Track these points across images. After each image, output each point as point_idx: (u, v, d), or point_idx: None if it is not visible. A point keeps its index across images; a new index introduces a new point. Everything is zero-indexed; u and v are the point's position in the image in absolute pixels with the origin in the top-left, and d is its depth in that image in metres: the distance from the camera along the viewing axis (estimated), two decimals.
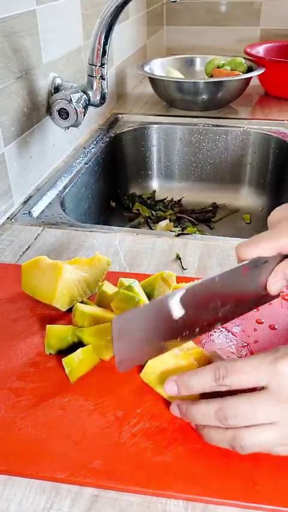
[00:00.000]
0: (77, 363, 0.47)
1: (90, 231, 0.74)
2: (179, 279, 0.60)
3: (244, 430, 0.37)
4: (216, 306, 0.44)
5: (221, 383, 0.38)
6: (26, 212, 0.80)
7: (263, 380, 0.37)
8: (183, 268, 0.65)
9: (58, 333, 0.50)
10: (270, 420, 0.37)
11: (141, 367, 0.46)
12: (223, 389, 0.38)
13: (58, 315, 0.55)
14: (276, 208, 0.48)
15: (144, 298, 0.52)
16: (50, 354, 0.50)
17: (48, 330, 0.50)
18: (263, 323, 0.54)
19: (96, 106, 0.90)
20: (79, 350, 0.47)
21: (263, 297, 0.47)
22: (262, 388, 0.37)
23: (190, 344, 0.46)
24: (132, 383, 0.46)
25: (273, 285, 0.45)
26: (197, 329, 0.44)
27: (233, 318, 0.47)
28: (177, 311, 0.41)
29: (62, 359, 0.47)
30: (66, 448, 0.41)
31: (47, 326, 0.50)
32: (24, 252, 0.69)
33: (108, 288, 0.54)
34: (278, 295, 0.47)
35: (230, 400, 0.38)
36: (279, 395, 0.36)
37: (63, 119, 0.87)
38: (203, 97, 1.20)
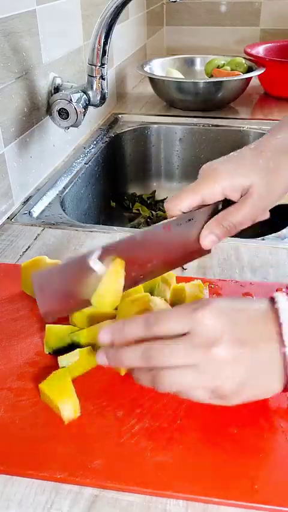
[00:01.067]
0: (72, 364, 0.46)
1: (90, 231, 0.74)
2: (179, 279, 0.60)
3: (164, 370, 0.39)
4: (140, 262, 0.46)
5: (149, 330, 0.40)
6: (26, 212, 0.80)
7: (184, 328, 0.39)
8: (183, 268, 0.65)
9: (57, 333, 0.50)
10: (187, 363, 0.38)
11: None
12: (151, 336, 0.40)
13: None
14: (210, 162, 0.51)
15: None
16: (49, 353, 0.50)
17: (47, 330, 0.50)
18: None
19: (96, 106, 0.90)
20: (76, 351, 0.47)
21: (194, 252, 0.50)
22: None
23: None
24: (132, 383, 0.46)
25: (206, 238, 0.48)
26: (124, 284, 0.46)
27: (160, 274, 0.50)
28: (98, 267, 0.43)
29: (58, 358, 0.47)
30: (65, 448, 0.41)
31: (47, 325, 0.50)
32: (24, 252, 0.69)
33: None
34: (209, 251, 0.50)
35: (155, 343, 0.39)
36: (195, 339, 0.38)
37: (63, 119, 0.87)
38: (203, 97, 1.20)
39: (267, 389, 0.40)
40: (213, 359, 0.37)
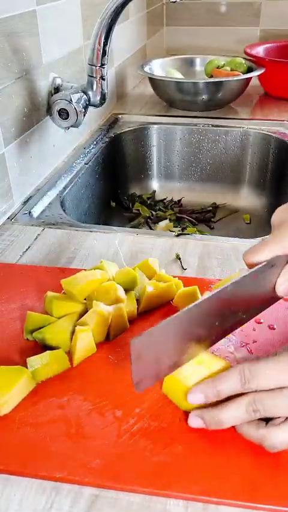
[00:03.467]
0: (41, 366, 0.46)
1: (90, 231, 0.74)
2: (179, 279, 0.60)
3: (275, 427, 0.38)
4: (229, 315, 0.44)
5: (247, 386, 0.39)
6: (26, 212, 0.80)
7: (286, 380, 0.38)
8: (183, 268, 0.65)
9: (36, 321, 0.51)
10: None
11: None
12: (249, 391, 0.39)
13: None
14: (279, 208, 0.48)
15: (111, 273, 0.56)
16: (27, 339, 0.52)
17: (27, 316, 0.52)
18: (262, 322, 0.54)
19: (96, 106, 0.90)
20: (46, 353, 0.47)
21: (270, 299, 0.48)
22: None
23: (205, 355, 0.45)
24: (131, 382, 0.46)
25: (281, 286, 0.45)
26: (213, 338, 0.45)
27: (243, 324, 0.47)
28: (193, 326, 0.42)
29: (27, 359, 0.47)
30: (65, 447, 0.41)
31: (28, 312, 0.52)
32: (25, 252, 0.69)
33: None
34: (283, 297, 0.47)
35: (260, 395, 0.38)
36: None
37: (63, 119, 0.87)
38: (203, 97, 1.20)
39: None
40: None
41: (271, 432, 0.38)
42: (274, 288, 0.46)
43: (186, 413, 0.43)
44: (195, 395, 0.41)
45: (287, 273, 0.45)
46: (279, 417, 0.39)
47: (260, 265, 0.44)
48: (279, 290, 0.46)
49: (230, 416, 0.39)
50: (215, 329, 0.44)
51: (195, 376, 0.42)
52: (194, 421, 0.41)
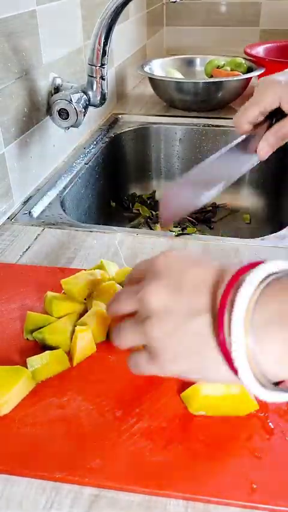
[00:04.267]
0: (41, 366, 0.46)
1: (90, 231, 0.74)
2: None
3: (120, 324, 0.40)
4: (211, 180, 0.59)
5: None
6: (26, 212, 0.80)
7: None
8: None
9: (36, 321, 0.52)
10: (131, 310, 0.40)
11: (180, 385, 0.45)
12: None
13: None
14: (270, 75, 0.60)
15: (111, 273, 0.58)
16: (27, 339, 0.52)
17: (27, 316, 0.52)
18: None
19: (96, 106, 0.90)
20: (46, 353, 0.47)
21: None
22: None
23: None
24: (131, 382, 0.46)
25: (262, 149, 0.59)
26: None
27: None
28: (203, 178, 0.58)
29: (27, 359, 0.47)
30: (64, 447, 0.41)
31: (27, 312, 0.52)
32: (24, 252, 0.69)
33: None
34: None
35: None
36: (138, 292, 0.38)
37: (63, 119, 0.87)
38: (203, 97, 1.20)
39: (203, 358, 0.35)
40: (148, 300, 0.36)
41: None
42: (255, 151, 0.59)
43: (186, 414, 0.43)
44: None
45: (266, 137, 0.58)
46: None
47: (245, 136, 0.59)
48: (260, 154, 0.59)
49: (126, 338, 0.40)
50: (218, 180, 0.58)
51: (213, 389, 0.42)
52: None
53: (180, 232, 0.73)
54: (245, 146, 0.58)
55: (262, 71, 1.24)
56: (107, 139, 1.13)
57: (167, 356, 0.36)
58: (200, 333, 0.34)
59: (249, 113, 0.58)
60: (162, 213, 0.56)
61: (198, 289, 0.35)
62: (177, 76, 1.31)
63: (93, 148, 1.07)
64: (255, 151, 0.59)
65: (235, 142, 0.59)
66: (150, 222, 1.13)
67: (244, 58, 1.33)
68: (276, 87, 0.57)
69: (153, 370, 0.38)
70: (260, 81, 0.60)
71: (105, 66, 0.86)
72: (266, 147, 0.59)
